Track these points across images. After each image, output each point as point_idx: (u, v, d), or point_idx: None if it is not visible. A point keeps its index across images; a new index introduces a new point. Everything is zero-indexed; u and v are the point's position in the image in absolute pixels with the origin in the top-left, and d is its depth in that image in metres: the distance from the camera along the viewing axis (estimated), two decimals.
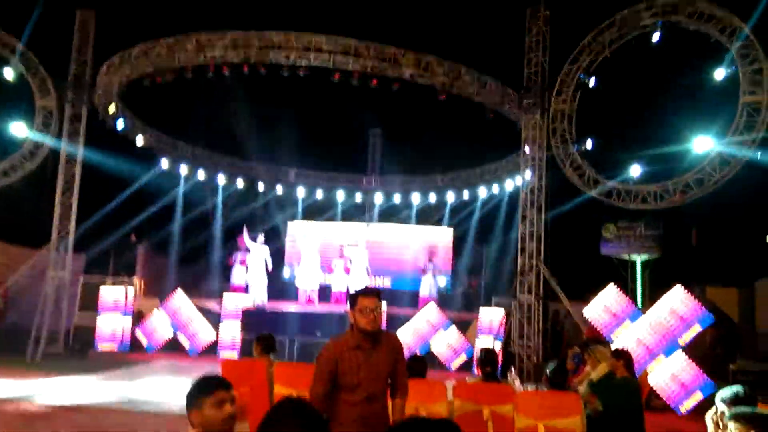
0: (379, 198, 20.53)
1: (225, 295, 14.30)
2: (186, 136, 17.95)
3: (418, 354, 10.83)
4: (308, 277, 15.24)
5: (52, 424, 6.98)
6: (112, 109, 14.43)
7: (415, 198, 20.07)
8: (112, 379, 10.11)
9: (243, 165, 19.61)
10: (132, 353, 13.62)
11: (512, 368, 5.93)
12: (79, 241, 14.13)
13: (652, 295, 16.20)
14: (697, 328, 9.71)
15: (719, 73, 11.86)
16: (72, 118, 13.65)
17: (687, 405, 9.69)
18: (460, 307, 17.11)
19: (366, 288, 4.04)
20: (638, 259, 20.02)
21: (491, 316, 12.84)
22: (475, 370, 12.25)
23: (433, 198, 19.79)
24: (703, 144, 11.90)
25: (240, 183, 19.39)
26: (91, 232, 15.00)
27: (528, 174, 12.92)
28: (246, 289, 15.73)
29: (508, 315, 12.68)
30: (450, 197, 19.53)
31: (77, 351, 13.31)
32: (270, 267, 15.49)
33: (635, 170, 12.91)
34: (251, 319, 13.40)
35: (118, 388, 9.18)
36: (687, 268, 19.48)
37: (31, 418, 7.14)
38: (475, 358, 12.59)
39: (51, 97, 13.59)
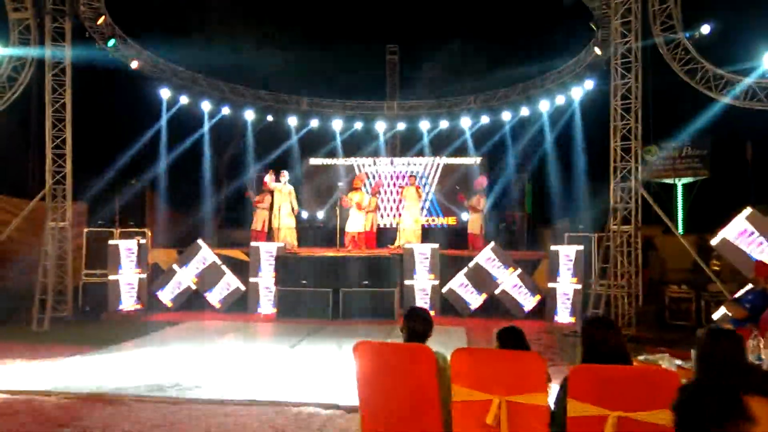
0: (402, 127, 18.42)
1: (253, 243, 12.44)
2: (184, 61, 15.53)
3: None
4: (353, 219, 13.39)
5: (80, 426, 5.16)
6: (100, 21, 12.00)
7: (443, 124, 17.99)
8: (137, 350, 8.27)
9: (250, 93, 17.28)
10: (150, 313, 11.83)
11: (754, 329, 3.93)
12: (77, 188, 12.04)
13: (697, 222, 14.51)
14: None
15: None
16: (54, 34, 11.26)
17: None
18: (505, 244, 15.42)
19: None
20: (679, 182, 18.49)
21: (567, 253, 11.09)
22: (558, 317, 10.76)
23: (466, 123, 17.69)
24: None
25: (249, 115, 17.15)
26: (89, 176, 12.91)
27: (586, 80, 10.33)
28: (268, 235, 13.96)
29: (588, 252, 10.99)
30: (484, 120, 17.44)
31: (88, 314, 11.49)
32: (297, 209, 13.66)
33: None
34: (286, 268, 11.55)
35: (147, 365, 7.36)
36: (740, 190, 17.80)
37: (52, 421, 5.32)
38: (555, 305, 11.02)
39: (27, 8, 11.11)
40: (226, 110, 16.61)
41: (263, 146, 17.70)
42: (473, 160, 17.85)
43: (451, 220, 17.54)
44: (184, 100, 15.57)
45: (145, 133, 14.68)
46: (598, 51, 12.17)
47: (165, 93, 15.03)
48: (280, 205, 13.30)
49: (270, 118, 17.53)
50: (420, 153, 18.35)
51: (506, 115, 17.09)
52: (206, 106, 16.16)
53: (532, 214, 17.54)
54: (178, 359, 7.65)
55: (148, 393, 6.06)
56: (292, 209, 13.54)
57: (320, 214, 17.69)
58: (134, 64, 13.43)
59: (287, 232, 13.36)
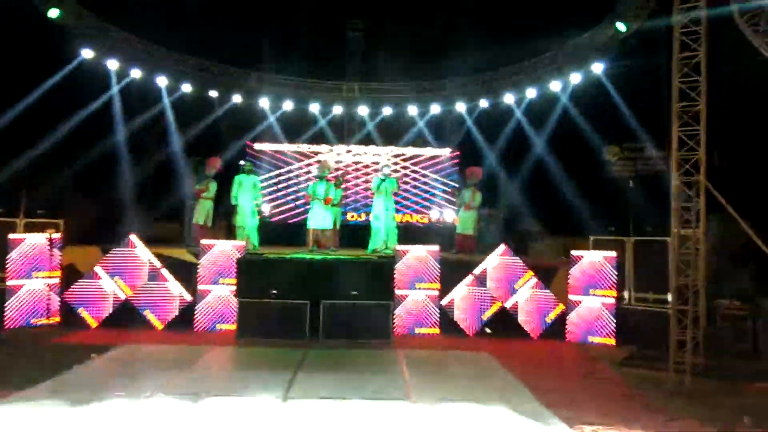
0: (364, 112, 16.28)
1: (204, 241, 9.88)
2: (115, 17, 12.64)
3: None
4: (317, 214, 11.06)
5: None
6: None
7: (413, 110, 16.02)
8: (56, 404, 5.56)
9: (190, 64, 14.49)
10: (66, 332, 9.02)
11: None
12: None
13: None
14: None
15: None
16: None
17: None
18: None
19: None
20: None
21: (594, 260, 9.33)
22: (589, 338, 8.94)
23: (435, 109, 15.81)
24: None
25: (186, 87, 14.40)
26: None
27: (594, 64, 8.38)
28: (209, 230, 11.58)
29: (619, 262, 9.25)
30: (460, 108, 15.63)
31: None
32: (261, 202, 11.35)
33: None
34: (249, 273, 9.13)
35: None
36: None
37: None
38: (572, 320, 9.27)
39: None
40: (162, 80, 13.81)
41: (202, 125, 15.02)
42: (442, 151, 16.01)
43: (420, 219, 15.58)
44: (112, 65, 12.72)
45: (61, 100, 11.71)
46: (621, 27, 10.54)
47: (88, 53, 12.14)
48: (244, 201, 11.04)
49: (213, 93, 14.85)
50: (381, 142, 16.29)
51: (483, 103, 15.37)
52: (136, 73, 13.32)
53: (507, 213, 15.87)
54: (122, 423, 5.12)
55: None
56: (257, 203, 11.29)
57: (266, 208, 15.23)
58: (53, 12, 10.53)
59: (251, 233, 10.99)
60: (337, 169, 14.72)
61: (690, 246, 7.54)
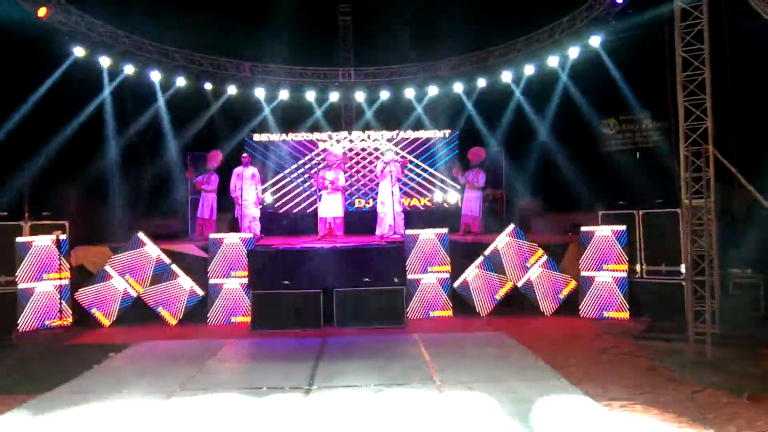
0: (361, 96, 16.19)
1: (213, 235, 9.86)
2: (103, 13, 12.45)
3: None
4: (329, 202, 11.11)
5: None
6: None
7: (410, 93, 15.94)
8: (80, 405, 5.55)
9: (181, 55, 14.32)
10: (79, 332, 9.01)
11: None
12: None
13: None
14: None
15: None
16: None
17: None
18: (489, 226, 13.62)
19: None
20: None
21: (604, 235, 9.31)
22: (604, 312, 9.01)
23: (433, 91, 15.73)
24: None
25: (180, 81, 14.27)
26: None
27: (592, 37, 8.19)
28: (214, 224, 11.61)
29: (630, 233, 9.23)
30: (458, 88, 15.56)
31: None
32: (260, 192, 11.36)
33: None
34: (260, 265, 9.12)
35: None
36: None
37: None
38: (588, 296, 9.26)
39: None
40: (156, 75, 13.68)
41: (198, 118, 14.88)
42: (443, 132, 15.92)
43: (425, 202, 15.53)
44: (104, 62, 12.59)
45: (57, 100, 11.62)
46: None
47: (79, 51, 12.00)
48: (244, 192, 11.03)
49: (208, 86, 14.73)
50: (381, 127, 16.20)
51: (481, 82, 15.29)
52: (129, 69, 13.18)
53: (508, 191, 15.84)
54: (151, 420, 5.14)
55: None
56: (257, 194, 11.30)
57: (268, 199, 15.17)
58: (42, 12, 10.40)
59: (253, 224, 11.00)
60: (344, 154, 14.63)
61: (702, 216, 7.53)
